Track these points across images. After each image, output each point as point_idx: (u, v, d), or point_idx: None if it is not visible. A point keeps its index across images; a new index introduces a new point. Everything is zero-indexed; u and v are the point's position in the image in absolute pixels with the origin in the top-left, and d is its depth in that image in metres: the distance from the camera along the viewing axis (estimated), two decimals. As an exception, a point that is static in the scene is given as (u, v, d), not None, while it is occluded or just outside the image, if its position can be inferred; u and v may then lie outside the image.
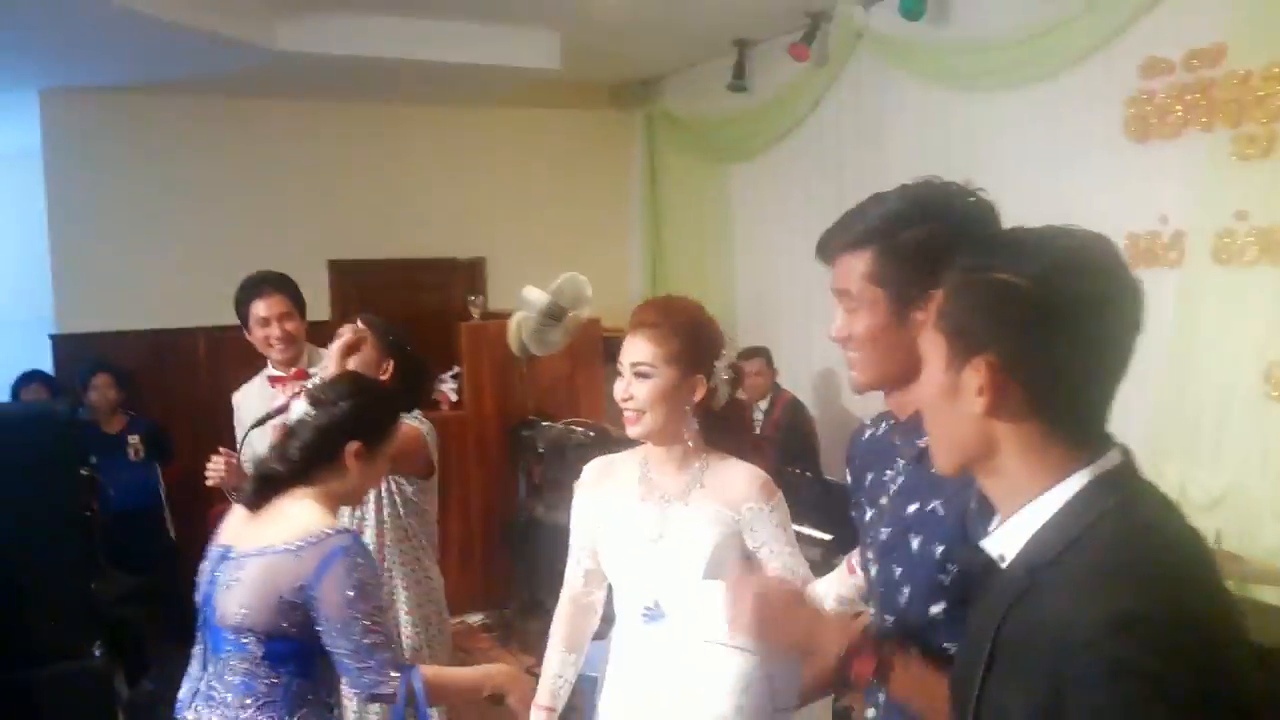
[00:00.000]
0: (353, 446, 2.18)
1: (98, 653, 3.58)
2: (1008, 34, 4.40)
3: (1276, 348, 3.51)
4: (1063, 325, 1.10)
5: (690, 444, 2.09)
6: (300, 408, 2.22)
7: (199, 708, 2.16)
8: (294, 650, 2.11)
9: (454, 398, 5.73)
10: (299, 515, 2.12)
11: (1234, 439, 3.66)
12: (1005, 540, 1.17)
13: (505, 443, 5.70)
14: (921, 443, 1.47)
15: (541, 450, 5.14)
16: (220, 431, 3.56)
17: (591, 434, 5.00)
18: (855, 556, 1.89)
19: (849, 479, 1.73)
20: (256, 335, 3.36)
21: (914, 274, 1.41)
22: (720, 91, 6.07)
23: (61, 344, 6.13)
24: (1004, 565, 1.17)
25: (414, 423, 2.92)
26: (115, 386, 5.12)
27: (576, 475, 4.85)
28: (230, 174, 6.36)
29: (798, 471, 4.57)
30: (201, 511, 5.68)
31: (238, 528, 2.21)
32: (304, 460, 2.16)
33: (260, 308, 3.33)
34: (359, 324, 2.95)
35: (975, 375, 1.14)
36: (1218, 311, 3.69)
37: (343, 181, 6.62)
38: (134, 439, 5.08)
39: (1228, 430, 3.67)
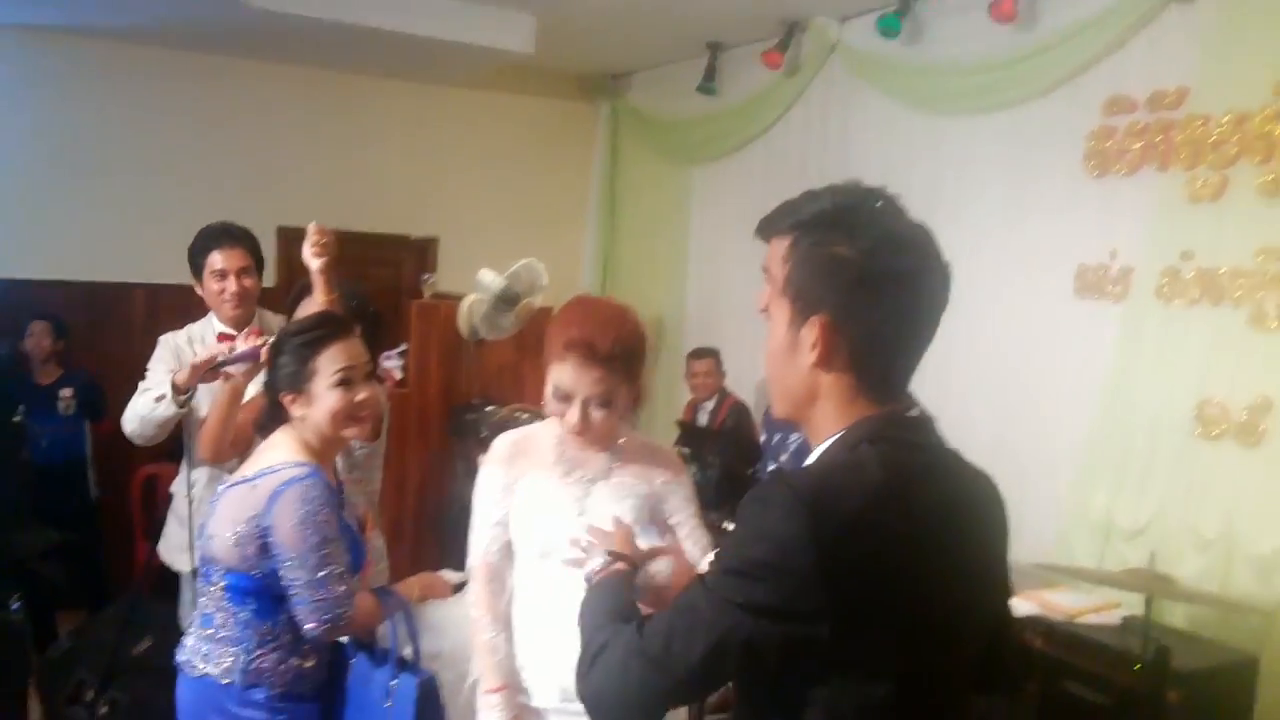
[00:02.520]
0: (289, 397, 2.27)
1: (15, 606, 3.49)
2: (978, 60, 4.49)
3: (1209, 387, 3.62)
4: (881, 292, 1.30)
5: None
6: None
7: (186, 633, 2.28)
8: (253, 588, 2.14)
9: (399, 375, 5.66)
10: (270, 449, 2.22)
11: (1161, 472, 3.76)
12: None
13: (447, 424, 5.65)
14: None
15: (484, 434, 5.09)
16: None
17: (537, 420, 4.97)
18: None
19: (762, 438, 1.87)
20: (210, 288, 3.24)
21: None
22: (688, 92, 6.10)
23: (-10, 289, 5.95)
24: None
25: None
26: (52, 335, 4.98)
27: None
28: (182, 129, 6.21)
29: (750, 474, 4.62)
30: (126, 473, 5.55)
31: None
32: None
33: (218, 259, 3.22)
34: (317, 226, 2.95)
35: (811, 331, 1.32)
36: (1156, 347, 3.80)
37: (298, 148, 6.51)
38: (66, 392, 4.94)
39: (1156, 463, 3.78)
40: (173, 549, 3.33)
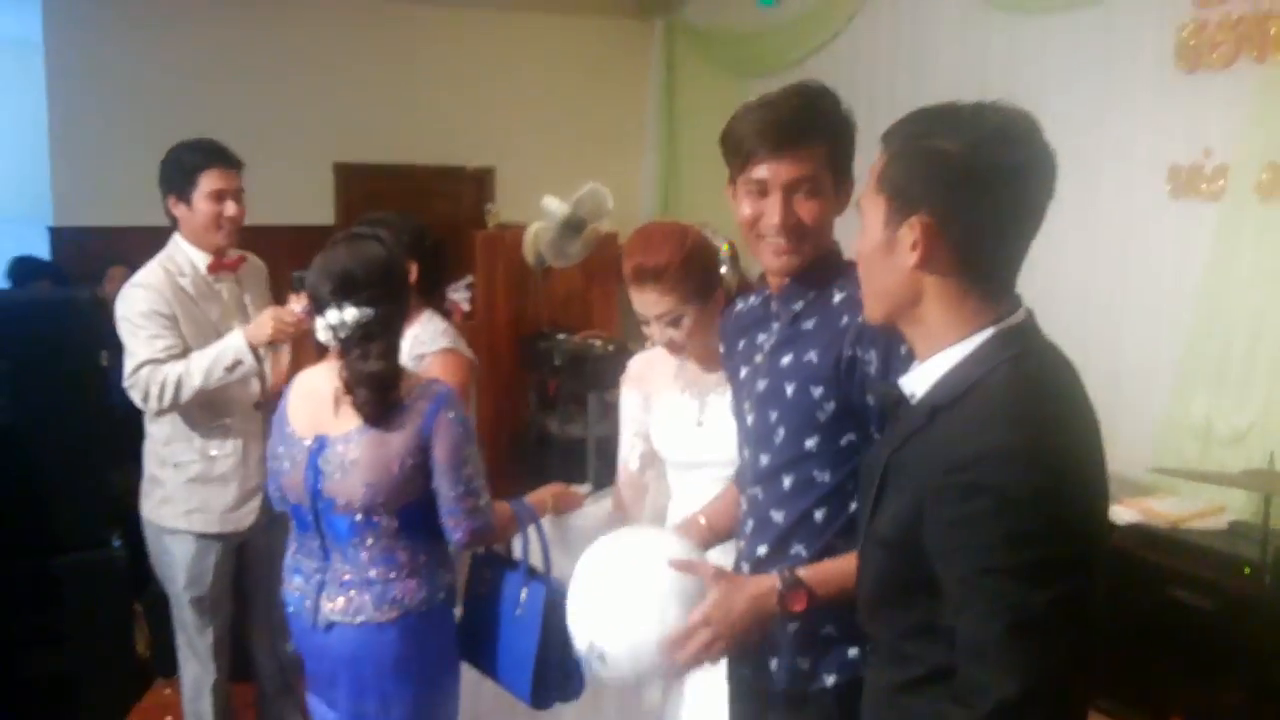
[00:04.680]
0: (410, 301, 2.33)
1: (117, 543, 3.57)
2: (1060, -48, 4.30)
3: (1312, 286, 3.51)
4: (987, 188, 1.24)
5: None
6: (350, 314, 2.11)
7: (331, 598, 2.19)
8: (421, 515, 2.18)
9: (466, 307, 5.66)
10: None
11: (1262, 376, 3.66)
12: (918, 380, 1.33)
13: (518, 355, 5.66)
14: (797, 306, 1.74)
15: (559, 363, 5.11)
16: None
17: (611, 347, 4.96)
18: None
19: (722, 349, 1.99)
20: (202, 210, 2.94)
21: (849, 162, 1.74)
22: (747, 4, 5.95)
23: (60, 237, 6.02)
24: (913, 402, 1.34)
25: (465, 354, 2.78)
26: (131, 280, 5.02)
27: (596, 387, 4.90)
28: (237, 69, 6.19)
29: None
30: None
31: (314, 418, 2.20)
32: (398, 346, 2.23)
33: (216, 179, 2.94)
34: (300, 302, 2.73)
35: (910, 232, 1.27)
36: (1256, 247, 3.67)
37: (352, 82, 6.46)
38: (147, 334, 4.99)
39: (1256, 367, 3.67)
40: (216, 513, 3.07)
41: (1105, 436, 1.34)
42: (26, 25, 5.99)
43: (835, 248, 1.78)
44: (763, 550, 1.77)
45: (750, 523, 1.81)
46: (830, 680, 1.69)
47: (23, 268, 5.36)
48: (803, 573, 1.61)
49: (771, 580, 1.61)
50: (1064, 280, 4.28)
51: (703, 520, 1.96)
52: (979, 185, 1.24)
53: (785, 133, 1.66)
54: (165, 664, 3.62)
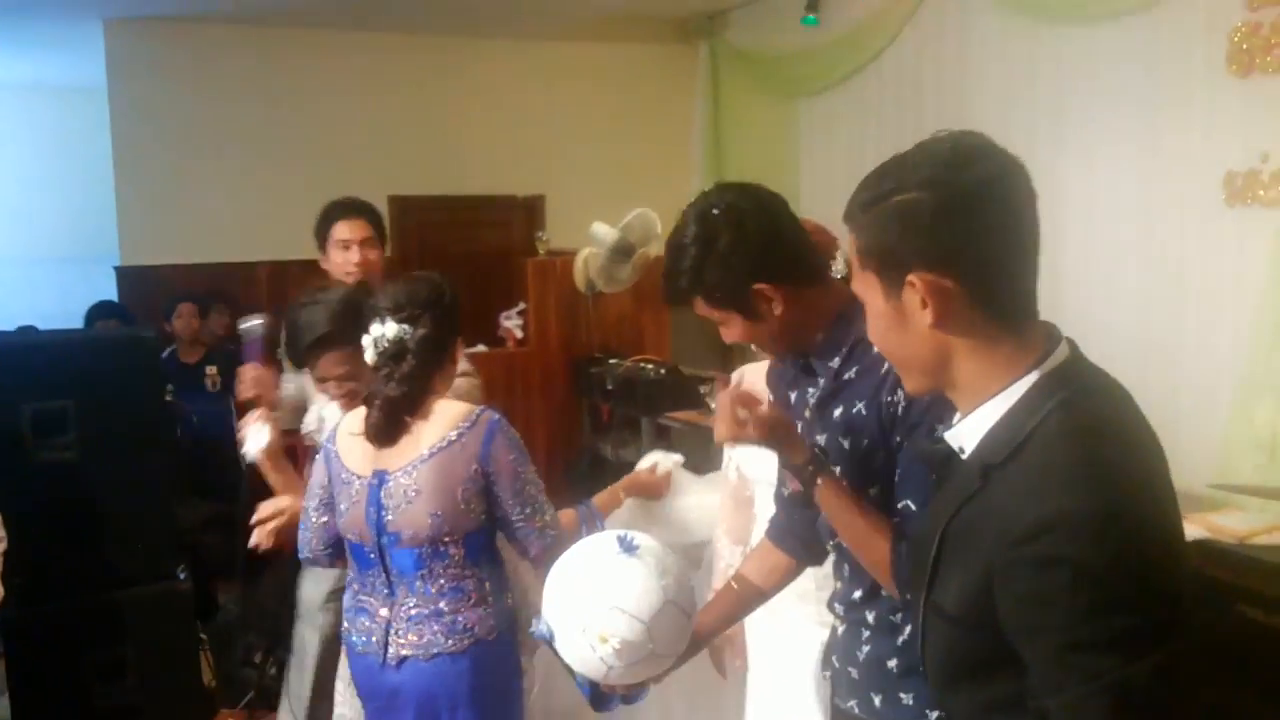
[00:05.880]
0: (457, 342, 2.30)
1: (182, 575, 3.65)
2: (1104, -38, 4.25)
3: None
4: (965, 215, 1.16)
5: None
6: (391, 329, 2.19)
7: (401, 634, 2.20)
8: (484, 539, 2.22)
9: (519, 334, 5.73)
10: (441, 412, 2.19)
11: (1329, 384, 3.57)
12: (964, 434, 1.24)
13: (570, 380, 5.69)
14: (834, 363, 1.71)
15: (611, 388, 5.12)
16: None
17: (663, 371, 4.97)
18: None
19: (771, 399, 1.93)
20: (335, 260, 3.19)
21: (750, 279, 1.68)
22: (790, 24, 5.94)
23: (126, 276, 6.19)
24: (964, 457, 1.24)
25: (472, 379, 2.79)
26: (198, 316, 5.18)
27: (648, 411, 4.83)
28: (294, 107, 6.35)
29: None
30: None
31: (370, 455, 2.21)
32: (425, 374, 2.20)
33: (343, 229, 3.17)
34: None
35: (913, 292, 1.18)
36: (1317, 253, 3.59)
37: (404, 116, 6.59)
38: (211, 369, 5.13)
39: (1323, 375, 3.59)
40: None
41: (1166, 453, 1.25)
42: (90, 73, 6.21)
43: (833, 303, 1.72)
44: (857, 594, 1.77)
45: (845, 567, 1.81)
46: (934, 716, 1.66)
47: (94, 310, 5.54)
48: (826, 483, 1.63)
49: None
50: (1121, 292, 4.21)
51: (735, 585, 1.93)
52: (956, 216, 1.16)
53: (667, 299, 1.78)
54: (230, 694, 3.68)
